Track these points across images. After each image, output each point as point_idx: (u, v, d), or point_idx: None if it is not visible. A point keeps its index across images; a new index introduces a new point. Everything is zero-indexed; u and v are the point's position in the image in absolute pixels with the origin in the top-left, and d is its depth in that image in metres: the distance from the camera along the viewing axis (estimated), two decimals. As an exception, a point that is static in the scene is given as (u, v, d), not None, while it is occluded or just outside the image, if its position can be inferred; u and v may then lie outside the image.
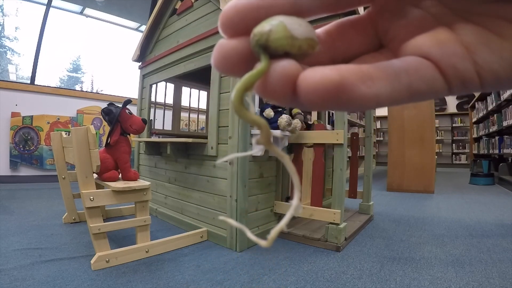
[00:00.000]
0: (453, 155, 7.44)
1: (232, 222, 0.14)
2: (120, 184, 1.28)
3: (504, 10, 0.12)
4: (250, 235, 0.12)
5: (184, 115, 3.07)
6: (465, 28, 0.13)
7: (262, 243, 0.12)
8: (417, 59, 0.13)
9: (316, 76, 0.11)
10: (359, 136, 2.08)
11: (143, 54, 2.18)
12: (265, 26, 0.12)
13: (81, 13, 4.26)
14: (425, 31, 0.14)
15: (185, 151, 1.69)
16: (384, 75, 0.12)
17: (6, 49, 4.43)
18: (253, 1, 0.12)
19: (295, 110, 1.70)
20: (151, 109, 2.14)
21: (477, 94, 5.39)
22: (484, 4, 0.13)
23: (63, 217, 1.74)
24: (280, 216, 1.67)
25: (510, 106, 3.66)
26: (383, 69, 0.12)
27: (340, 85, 0.11)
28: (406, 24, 0.14)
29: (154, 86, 2.12)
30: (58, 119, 3.37)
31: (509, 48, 0.12)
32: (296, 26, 0.12)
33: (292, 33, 0.12)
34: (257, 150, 0.13)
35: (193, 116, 3.41)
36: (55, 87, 3.74)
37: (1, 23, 4.35)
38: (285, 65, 0.12)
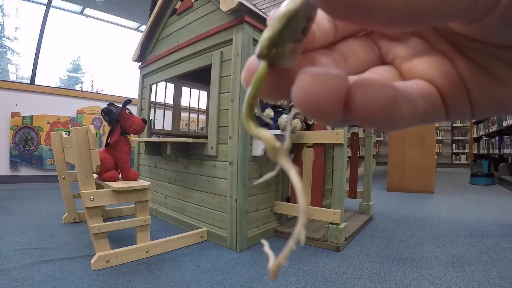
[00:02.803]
0: (453, 155, 7.45)
1: (266, 248, 0.13)
2: (120, 184, 1.28)
3: (495, 49, 0.13)
4: (271, 263, 0.12)
5: (184, 115, 3.06)
6: (460, 61, 0.13)
7: (270, 277, 0.12)
8: (427, 84, 0.13)
9: (374, 88, 0.10)
10: (359, 136, 2.08)
11: (143, 54, 2.18)
12: None
13: (81, 13, 4.26)
14: (425, 56, 0.14)
15: (185, 151, 1.69)
16: (412, 97, 0.12)
17: (6, 49, 4.43)
18: None
19: (295, 110, 1.70)
20: (151, 109, 2.14)
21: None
22: (477, 42, 0.13)
23: (63, 217, 1.74)
24: (280, 216, 1.67)
25: (510, 106, 3.65)
26: (411, 91, 0.12)
27: (395, 102, 0.10)
28: (406, 47, 0.15)
29: (154, 86, 2.12)
30: (58, 119, 3.37)
31: (495, 85, 0.13)
32: None
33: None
34: (278, 166, 0.13)
35: (193, 116, 3.41)
36: (55, 87, 3.74)
37: (1, 23, 4.35)
38: (333, 73, 0.10)
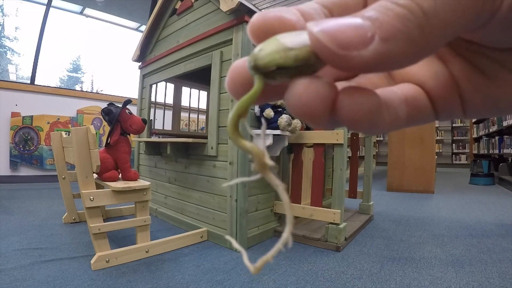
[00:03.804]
0: (453, 155, 7.45)
1: (234, 243, 0.14)
2: (120, 184, 1.28)
3: (491, 51, 0.13)
4: (245, 259, 0.12)
5: (184, 115, 3.06)
6: (454, 62, 0.13)
7: (251, 269, 0.12)
8: (413, 87, 0.13)
9: (359, 96, 0.11)
10: (359, 136, 2.08)
11: (143, 54, 2.18)
12: (258, 47, 0.11)
13: (81, 13, 4.26)
14: None
15: (185, 151, 1.69)
16: (394, 103, 0.12)
17: (6, 49, 4.43)
18: (280, 15, 0.12)
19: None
20: (151, 109, 2.14)
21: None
22: (473, 43, 0.13)
23: (63, 217, 1.74)
24: (280, 216, 1.67)
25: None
26: (393, 97, 0.12)
27: (379, 109, 0.11)
28: None
29: (154, 86, 2.12)
30: (58, 119, 3.37)
31: (490, 86, 0.13)
32: (294, 37, 0.11)
33: (286, 45, 0.11)
34: (256, 176, 0.13)
35: (193, 116, 3.41)
36: (55, 87, 3.74)
37: (1, 23, 4.35)
38: (323, 81, 0.11)
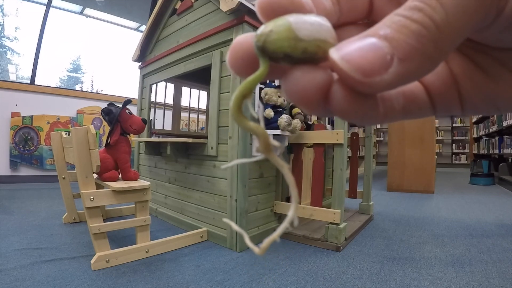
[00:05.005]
0: (453, 155, 7.45)
1: (233, 225, 0.14)
2: (120, 184, 1.28)
3: (492, 50, 0.13)
4: (248, 241, 0.13)
5: (184, 115, 3.06)
6: (454, 58, 0.14)
7: (256, 250, 0.12)
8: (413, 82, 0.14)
9: (351, 89, 0.11)
10: (359, 136, 2.08)
11: (143, 54, 2.18)
12: (268, 27, 0.11)
13: (81, 13, 4.26)
14: None
15: (185, 151, 1.69)
16: (390, 95, 0.12)
17: (6, 49, 4.43)
18: None
19: (295, 110, 1.70)
20: (151, 109, 2.14)
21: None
22: (475, 42, 0.13)
23: (63, 217, 1.74)
24: (280, 216, 1.67)
25: (510, 106, 3.65)
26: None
27: (371, 100, 0.12)
28: None
29: (154, 86, 2.12)
30: (58, 119, 3.37)
31: (490, 84, 0.13)
32: (306, 26, 0.11)
33: (297, 34, 0.10)
34: (259, 157, 0.13)
35: (193, 116, 3.41)
36: (55, 87, 3.74)
37: (1, 23, 4.35)
38: (314, 76, 0.11)
